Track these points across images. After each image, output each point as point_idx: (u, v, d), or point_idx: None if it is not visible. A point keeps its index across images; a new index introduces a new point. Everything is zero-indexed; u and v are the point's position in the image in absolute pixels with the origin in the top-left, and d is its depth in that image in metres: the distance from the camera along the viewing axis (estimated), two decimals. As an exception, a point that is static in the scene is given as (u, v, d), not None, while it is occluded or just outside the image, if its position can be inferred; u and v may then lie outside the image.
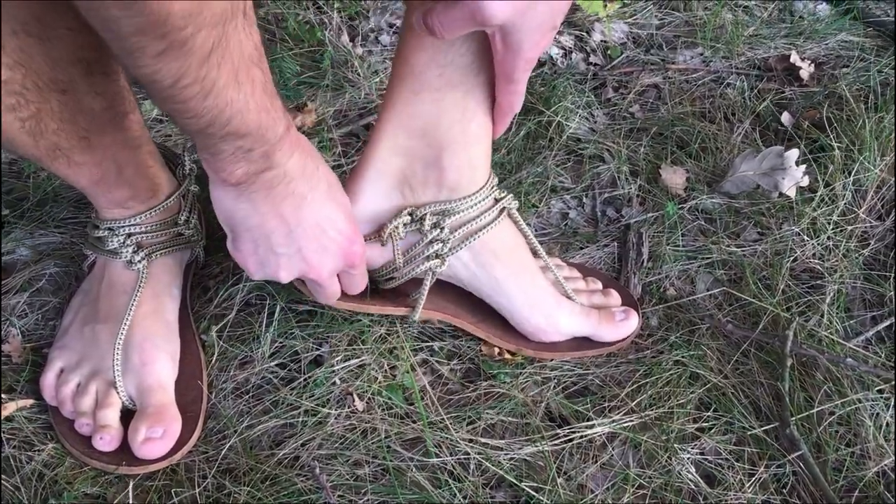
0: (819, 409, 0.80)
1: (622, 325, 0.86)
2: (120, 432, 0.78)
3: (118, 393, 0.79)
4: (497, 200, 0.81)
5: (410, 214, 0.79)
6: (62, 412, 0.80)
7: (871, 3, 1.27)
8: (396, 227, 0.79)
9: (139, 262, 0.82)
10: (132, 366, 0.80)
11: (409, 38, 0.72)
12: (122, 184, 0.80)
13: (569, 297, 0.86)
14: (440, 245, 0.79)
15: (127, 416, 0.79)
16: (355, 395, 0.80)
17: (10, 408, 0.80)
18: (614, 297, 0.89)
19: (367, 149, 0.78)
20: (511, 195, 0.82)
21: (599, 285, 0.90)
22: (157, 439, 0.77)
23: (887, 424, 0.80)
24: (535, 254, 0.85)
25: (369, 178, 0.79)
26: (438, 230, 0.79)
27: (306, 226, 0.71)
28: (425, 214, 0.78)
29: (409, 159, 0.77)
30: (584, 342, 0.86)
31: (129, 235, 0.82)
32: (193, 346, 0.85)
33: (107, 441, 0.77)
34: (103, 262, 0.85)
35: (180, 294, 0.87)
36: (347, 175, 0.86)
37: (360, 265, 0.78)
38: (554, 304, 0.84)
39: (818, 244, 0.95)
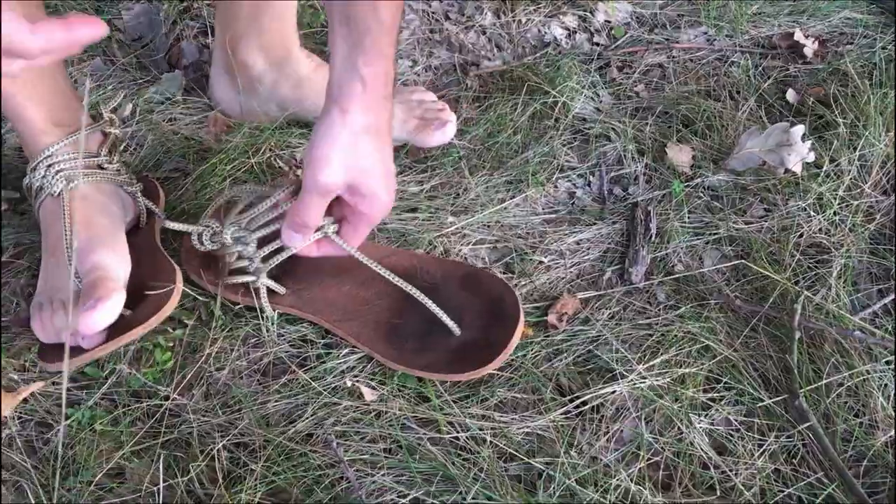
0: (827, 380, 0.81)
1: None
2: None
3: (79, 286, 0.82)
4: None
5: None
6: (58, 339, 0.82)
7: (873, -19, 1.27)
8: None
9: (58, 184, 0.84)
10: (80, 270, 0.82)
11: None
12: (40, 101, 0.83)
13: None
14: None
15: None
16: (363, 388, 0.81)
17: (25, 391, 0.81)
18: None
19: None
20: None
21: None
22: (91, 310, 0.78)
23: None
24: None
25: None
26: None
27: None
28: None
29: None
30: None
31: (49, 167, 0.85)
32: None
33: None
34: (42, 213, 0.87)
35: (123, 216, 0.89)
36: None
37: None
38: None
39: (824, 219, 0.96)
